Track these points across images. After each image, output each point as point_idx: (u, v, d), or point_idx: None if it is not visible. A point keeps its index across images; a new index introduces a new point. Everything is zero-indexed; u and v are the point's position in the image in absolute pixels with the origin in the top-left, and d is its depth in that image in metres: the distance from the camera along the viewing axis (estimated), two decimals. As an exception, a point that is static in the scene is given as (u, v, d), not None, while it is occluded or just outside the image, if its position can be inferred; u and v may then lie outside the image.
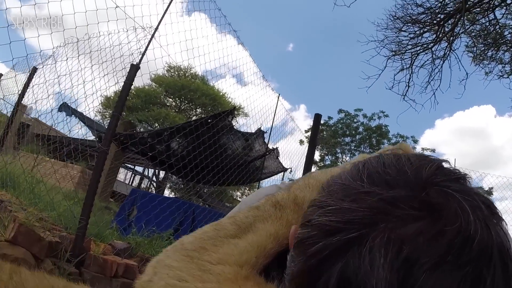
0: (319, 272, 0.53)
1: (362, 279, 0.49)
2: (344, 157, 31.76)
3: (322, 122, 30.59)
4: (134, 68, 4.70)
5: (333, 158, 32.10)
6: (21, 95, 6.94)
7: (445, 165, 0.60)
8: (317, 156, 32.68)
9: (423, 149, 29.66)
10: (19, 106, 7.18)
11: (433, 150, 30.49)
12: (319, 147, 31.64)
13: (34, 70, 6.93)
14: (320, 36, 65.39)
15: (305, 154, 6.31)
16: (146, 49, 5.04)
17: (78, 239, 4.09)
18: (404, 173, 0.57)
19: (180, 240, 0.77)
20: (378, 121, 30.15)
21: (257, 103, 8.71)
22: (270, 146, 11.09)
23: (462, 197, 0.52)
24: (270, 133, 10.05)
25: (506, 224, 0.56)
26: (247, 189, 25.42)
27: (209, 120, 8.93)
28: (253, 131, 10.65)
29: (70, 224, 4.53)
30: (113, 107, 4.92)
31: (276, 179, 12.43)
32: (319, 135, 31.52)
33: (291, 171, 11.87)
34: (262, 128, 10.26)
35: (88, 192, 4.44)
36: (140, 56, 4.94)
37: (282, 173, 12.24)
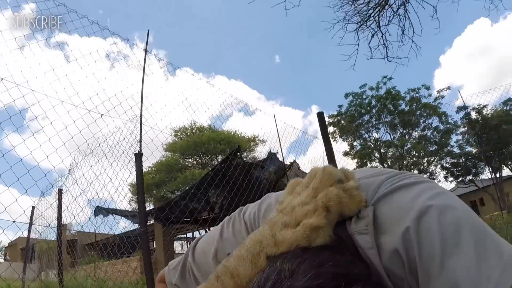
0: None
1: None
2: (370, 135, 31.72)
3: (335, 113, 30.56)
4: (139, 156, 5.25)
5: (361, 141, 32.12)
6: (59, 217, 7.46)
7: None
8: (346, 147, 32.75)
9: (438, 91, 29.64)
10: (61, 227, 7.66)
11: (449, 88, 30.27)
12: (342, 138, 31.73)
13: (60, 192, 7.51)
14: (297, 38, 65.82)
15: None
16: (140, 137, 5.59)
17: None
18: None
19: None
20: (385, 87, 30.16)
21: (266, 127, 9.06)
22: (288, 162, 11.46)
23: None
24: (282, 151, 10.51)
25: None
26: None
27: (222, 165, 9.48)
28: (265, 157, 11.16)
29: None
30: (139, 194, 5.38)
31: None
32: (338, 126, 31.71)
33: None
34: (283, 148, 10.70)
35: (146, 274, 4.89)
36: (139, 144, 5.51)
37: None
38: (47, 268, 11.22)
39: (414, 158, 31.71)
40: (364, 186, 1.09)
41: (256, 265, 0.90)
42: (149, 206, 26.79)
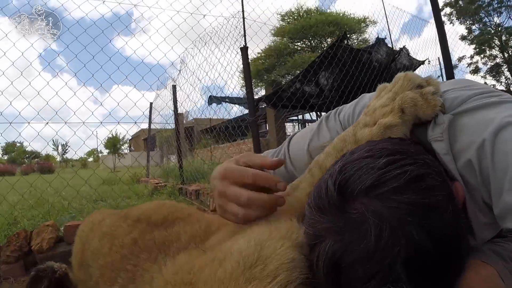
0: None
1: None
2: (491, 19, 29.00)
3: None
4: (244, 50, 5.36)
5: (481, 25, 29.56)
6: (175, 109, 8.00)
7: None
8: (463, 30, 30.43)
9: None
10: (177, 117, 8.17)
11: None
12: (459, 20, 29.34)
13: (174, 87, 7.97)
14: None
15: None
16: (244, 31, 5.63)
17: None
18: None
19: None
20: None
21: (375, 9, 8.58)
22: (398, 48, 10.95)
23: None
24: (390, 36, 10.10)
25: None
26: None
27: (329, 51, 9.36)
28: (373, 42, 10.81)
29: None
30: (247, 85, 5.56)
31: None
32: (455, 7, 29.23)
33: (429, 62, 11.53)
34: (392, 32, 10.21)
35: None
36: (243, 38, 5.60)
37: (420, 66, 11.82)
38: (168, 154, 12.11)
39: None
40: (450, 97, 1.10)
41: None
42: (261, 91, 27.30)
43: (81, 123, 4.53)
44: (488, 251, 1.03)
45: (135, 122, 5.77)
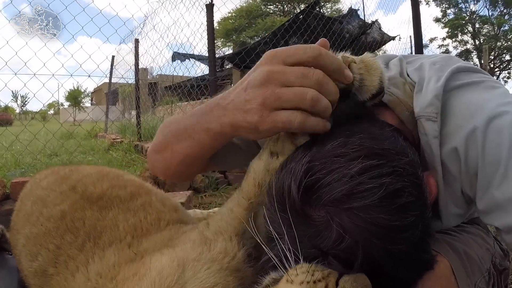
0: None
1: None
2: (467, 6, 29.34)
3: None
4: (210, 7, 5.25)
5: (456, 10, 29.92)
6: (136, 63, 7.78)
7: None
8: (438, 13, 30.76)
9: None
10: (138, 71, 7.96)
11: None
12: (435, 2, 29.64)
13: (136, 41, 7.76)
14: None
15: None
16: None
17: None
18: None
19: None
20: None
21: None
22: (369, 21, 10.90)
23: None
24: (363, 9, 10.06)
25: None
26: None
27: (301, 16, 9.28)
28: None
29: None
30: (209, 43, 5.49)
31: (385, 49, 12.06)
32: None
33: (400, 38, 11.53)
34: (365, 4, 10.19)
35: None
36: None
37: (390, 42, 11.85)
38: (130, 109, 11.91)
39: (509, 42, 29.62)
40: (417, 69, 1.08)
41: None
42: (229, 51, 27.13)
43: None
44: (444, 246, 1.03)
45: (89, 76, 5.57)
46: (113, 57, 10.91)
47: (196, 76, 11.32)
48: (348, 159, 0.77)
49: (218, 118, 0.94)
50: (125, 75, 9.85)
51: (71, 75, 5.15)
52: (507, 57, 31.65)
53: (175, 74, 9.49)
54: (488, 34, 29.82)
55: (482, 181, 0.89)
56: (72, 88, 27.57)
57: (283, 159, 0.93)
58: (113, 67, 11.19)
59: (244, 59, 10.43)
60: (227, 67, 16.58)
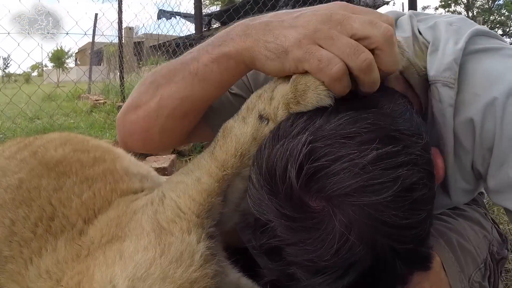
0: None
1: None
2: None
3: None
4: None
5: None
6: (119, 20, 7.44)
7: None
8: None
9: None
10: (121, 30, 7.68)
11: None
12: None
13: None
14: None
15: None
16: None
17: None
18: None
19: None
20: None
21: None
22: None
23: None
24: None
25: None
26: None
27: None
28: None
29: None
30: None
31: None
32: None
33: (394, 3, 11.40)
34: None
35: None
36: None
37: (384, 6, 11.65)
38: (115, 69, 11.70)
39: (503, 17, 29.65)
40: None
41: None
42: (217, 9, 26.71)
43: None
44: (437, 239, 0.97)
45: (67, 33, 5.36)
46: (96, 14, 10.53)
47: (182, 35, 11.09)
48: (359, 142, 0.63)
49: (237, 37, 0.79)
50: (110, 33, 9.64)
51: (48, 32, 4.93)
52: (500, 32, 31.93)
53: (160, 33, 9.28)
54: (481, 7, 29.92)
55: (496, 157, 0.82)
56: (56, 48, 27.02)
57: (273, 126, 0.77)
58: (96, 26, 10.85)
59: (233, 16, 10.21)
60: (214, 26, 16.26)
